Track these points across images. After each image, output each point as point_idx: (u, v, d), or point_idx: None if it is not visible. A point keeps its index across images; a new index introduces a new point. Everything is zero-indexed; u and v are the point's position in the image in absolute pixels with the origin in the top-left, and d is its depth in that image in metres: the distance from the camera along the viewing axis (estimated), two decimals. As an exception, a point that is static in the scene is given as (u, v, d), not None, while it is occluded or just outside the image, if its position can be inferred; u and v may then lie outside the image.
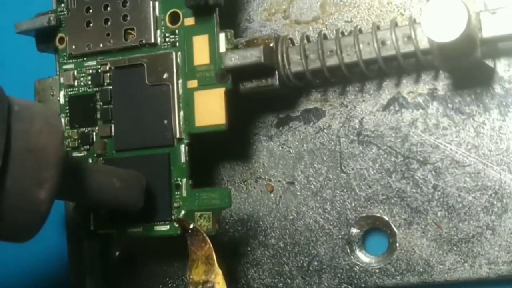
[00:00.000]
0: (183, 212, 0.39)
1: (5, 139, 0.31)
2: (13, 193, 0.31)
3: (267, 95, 0.39)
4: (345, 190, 0.40)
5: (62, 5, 0.42)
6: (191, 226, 0.37)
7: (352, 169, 0.40)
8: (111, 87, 0.41)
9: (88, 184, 0.36)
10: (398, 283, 0.38)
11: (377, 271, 0.39)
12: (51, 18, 0.42)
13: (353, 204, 0.39)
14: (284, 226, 0.41)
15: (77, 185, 0.36)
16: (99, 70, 0.41)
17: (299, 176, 0.40)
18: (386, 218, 0.39)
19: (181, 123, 0.39)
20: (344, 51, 0.37)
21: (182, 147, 0.39)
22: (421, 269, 0.38)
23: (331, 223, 0.40)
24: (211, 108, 0.38)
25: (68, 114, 0.42)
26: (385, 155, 0.39)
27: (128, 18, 0.40)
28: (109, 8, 0.41)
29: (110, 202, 0.37)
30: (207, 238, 0.37)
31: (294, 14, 0.41)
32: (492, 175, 0.37)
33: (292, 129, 0.41)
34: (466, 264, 0.37)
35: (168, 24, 0.40)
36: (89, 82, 0.41)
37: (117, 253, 0.44)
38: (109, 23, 0.41)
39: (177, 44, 0.40)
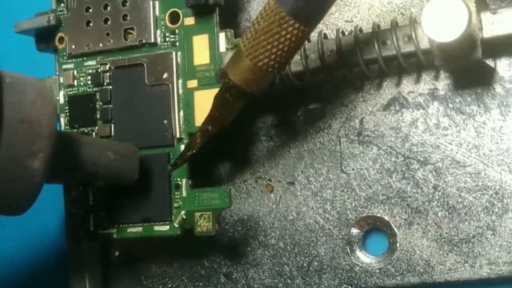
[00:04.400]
0: (183, 212, 0.39)
1: None
2: (7, 163, 0.32)
3: (267, 95, 0.39)
4: (345, 190, 0.40)
5: (62, 4, 0.42)
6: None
7: (353, 169, 0.39)
8: (111, 87, 0.41)
9: (82, 156, 0.36)
10: (399, 284, 0.38)
11: (378, 271, 0.39)
12: (51, 17, 0.42)
13: (353, 204, 0.39)
14: (284, 226, 0.41)
15: (71, 157, 0.36)
16: (99, 70, 0.41)
17: (299, 176, 0.40)
18: (386, 218, 0.39)
19: (181, 123, 0.39)
20: (344, 51, 0.37)
21: (182, 147, 0.39)
22: (421, 270, 0.38)
23: (331, 223, 0.40)
24: (211, 108, 0.38)
25: (67, 114, 0.42)
26: (386, 155, 0.39)
27: (128, 17, 0.40)
28: (109, 8, 0.41)
29: (104, 174, 0.37)
30: None
31: (294, 13, 0.41)
32: (493, 175, 0.37)
33: (292, 129, 0.41)
34: (466, 264, 0.37)
35: (168, 23, 0.40)
36: (89, 82, 0.41)
37: (117, 253, 0.44)
38: (109, 22, 0.41)
39: (177, 44, 0.40)
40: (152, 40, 0.40)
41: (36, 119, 0.32)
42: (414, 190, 0.38)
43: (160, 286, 0.43)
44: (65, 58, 0.42)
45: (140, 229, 0.40)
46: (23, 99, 0.32)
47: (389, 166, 0.39)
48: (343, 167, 0.40)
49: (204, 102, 0.38)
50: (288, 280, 0.40)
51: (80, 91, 0.42)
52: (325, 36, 0.39)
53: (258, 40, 0.34)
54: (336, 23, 0.40)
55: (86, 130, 0.41)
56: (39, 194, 0.33)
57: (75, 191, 0.41)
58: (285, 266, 0.40)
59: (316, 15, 0.33)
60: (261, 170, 0.41)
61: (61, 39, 0.42)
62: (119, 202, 0.40)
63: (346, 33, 0.38)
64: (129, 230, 0.40)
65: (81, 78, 0.42)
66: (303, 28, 0.33)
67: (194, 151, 0.38)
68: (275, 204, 0.41)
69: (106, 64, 0.41)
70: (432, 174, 0.38)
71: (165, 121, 0.39)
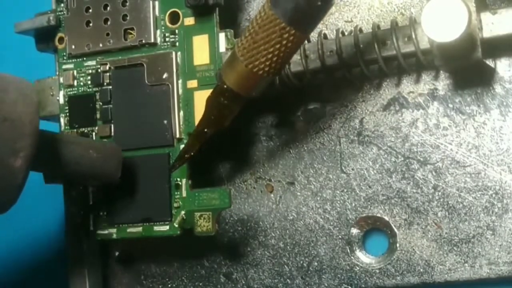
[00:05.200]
0: (183, 212, 0.39)
1: None
2: None
3: (267, 95, 0.39)
4: (345, 190, 0.40)
5: (62, 5, 0.42)
6: None
7: (352, 169, 0.39)
8: (110, 87, 0.41)
9: (64, 155, 0.36)
10: (398, 284, 0.38)
11: (377, 271, 0.39)
12: (51, 18, 0.42)
13: (353, 205, 0.39)
14: (284, 226, 0.41)
15: (53, 156, 0.36)
16: (99, 70, 0.41)
17: (299, 176, 0.40)
18: (386, 218, 0.39)
19: (181, 123, 0.39)
20: (344, 51, 0.37)
21: (182, 147, 0.39)
22: (421, 270, 0.38)
23: (331, 224, 0.40)
24: (211, 108, 0.38)
25: (67, 114, 0.42)
26: (386, 155, 0.39)
27: (128, 18, 0.40)
28: (108, 8, 0.41)
29: (87, 173, 0.37)
30: None
31: (294, 13, 0.41)
32: (493, 175, 0.37)
33: (292, 129, 0.41)
34: (466, 264, 0.37)
35: (168, 24, 0.40)
36: (89, 82, 0.41)
37: (117, 253, 0.44)
38: (108, 23, 0.41)
39: (177, 44, 0.40)
40: (152, 40, 0.40)
41: (18, 118, 0.32)
42: (414, 190, 0.38)
43: (160, 286, 0.43)
44: (65, 58, 0.42)
45: (140, 229, 0.40)
46: (5, 97, 0.32)
47: (389, 166, 0.39)
48: (343, 167, 0.40)
49: (204, 102, 0.38)
50: (288, 280, 0.40)
51: (80, 91, 0.42)
52: (325, 36, 0.39)
53: (253, 46, 0.34)
54: (336, 23, 0.40)
55: (86, 130, 0.41)
56: (21, 193, 0.33)
57: (75, 191, 0.41)
58: (285, 266, 0.40)
59: (313, 21, 0.33)
60: (261, 170, 0.41)
61: (61, 39, 0.42)
62: (119, 202, 0.40)
63: (346, 33, 0.38)
64: (129, 230, 0.40)
65: (81, 78, 0.42)
66: (299, 34, 0.33)
67: (192, 153, 0.38)
68: (275, 204, 0.41)
69: (106, 64, 0.41)
70: (432, 174, 0.38)
71: (165, 121, 0.39)
